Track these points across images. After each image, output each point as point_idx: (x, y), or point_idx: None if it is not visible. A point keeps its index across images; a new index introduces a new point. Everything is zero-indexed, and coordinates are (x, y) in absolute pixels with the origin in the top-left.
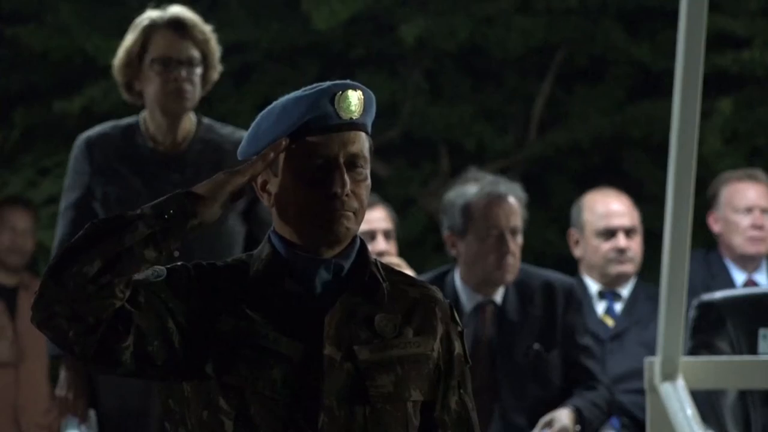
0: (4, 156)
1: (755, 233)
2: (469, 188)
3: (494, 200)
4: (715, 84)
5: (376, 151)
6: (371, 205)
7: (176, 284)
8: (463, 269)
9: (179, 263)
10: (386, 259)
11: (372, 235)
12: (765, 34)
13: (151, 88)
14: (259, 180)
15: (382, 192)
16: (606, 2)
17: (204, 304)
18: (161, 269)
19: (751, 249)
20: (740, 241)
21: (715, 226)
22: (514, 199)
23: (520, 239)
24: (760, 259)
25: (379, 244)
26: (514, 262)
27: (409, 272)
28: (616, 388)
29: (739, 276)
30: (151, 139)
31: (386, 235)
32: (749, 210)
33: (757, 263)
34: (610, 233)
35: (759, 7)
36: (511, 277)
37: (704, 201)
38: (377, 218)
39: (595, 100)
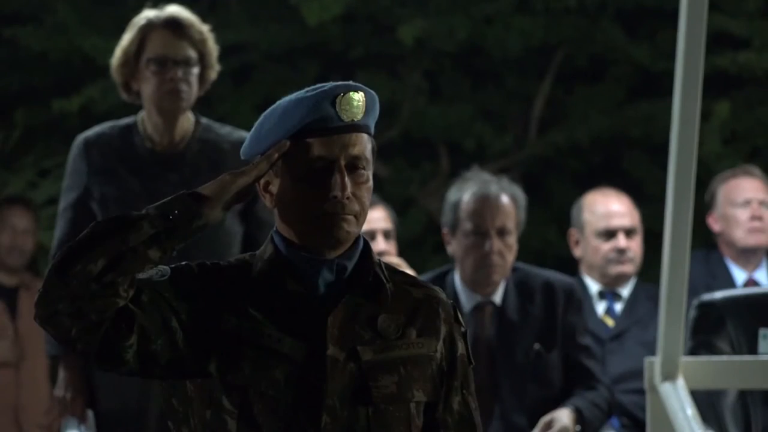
0: (4, 156)
1: (754, 224)
2: (465, 187)
3: (481, 199)
4: (713, 84)
5: (375, 151)
6: (371, 205)
7: (180, 284)
8: (459, 268)
9: (183, 263)
10: (386, 259)
11: (372, 235)
12: (764, 35)
13: (147, 87)
14: (261, 180)
15: (382, 192)
16: (605, 2)
17: (208, 303)
18: (165, 269)
19: (751, 240)
20: (741, 235)
21: (715, 226)
22: (507, 200)
23: (510, 240)
24: (760, 254)
25: (379, 244)
26: (500, 262)
27: (410, 272)
28: (616, 388)
29: (739, 275)
30: (149, 139)
31: (386, 235)
32: (747, 203)
33: (758, 260)
34: (610, 234)
35: (758, 8)
36: (497, 277)
37: (704, 202)
38: (377, 218)
39: (595, 100)
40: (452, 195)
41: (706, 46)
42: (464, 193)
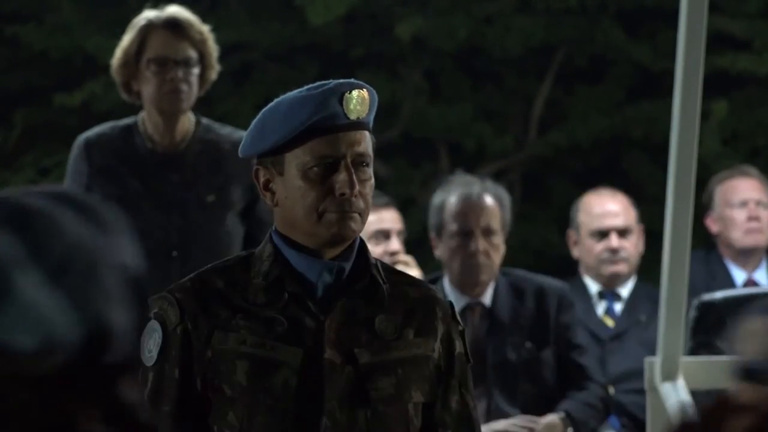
0: (4, 156)
1: (752, 225)
2: (449, 189)
3: (464, 200)
4: (713, 85)
5: (376, 151)
6: (385, 205)
7: (189, 368)
8: (446, 271)
9: (175, 326)
10: (398, 258)
11: (387, 234)
12: (764, 36)
13: (148, 88)
14: (262, 179)
15: (382, 192)
16: (605, 2)
17: (205, 337)
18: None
19: (749, 241)
20: (738, 235)
21: (713, 227)
22: (491, 200)
23: (496, 239)
24: (759, 254)
25: (393, 244)
26: (486, 261)
27: (417, 271)
28: (616, 388)
29: (739, 275)
30: (150, 140)
31: (398, 235)
32: (744, 203)
33: (757, 261)
34: (602, 234)
35: (758, 9)
36: (485, 277)
37: (702, 203)
38: (391, 219)
39: (595, 100)
40: (436, 198)
41: (706, 46)
42: (448, 196)
